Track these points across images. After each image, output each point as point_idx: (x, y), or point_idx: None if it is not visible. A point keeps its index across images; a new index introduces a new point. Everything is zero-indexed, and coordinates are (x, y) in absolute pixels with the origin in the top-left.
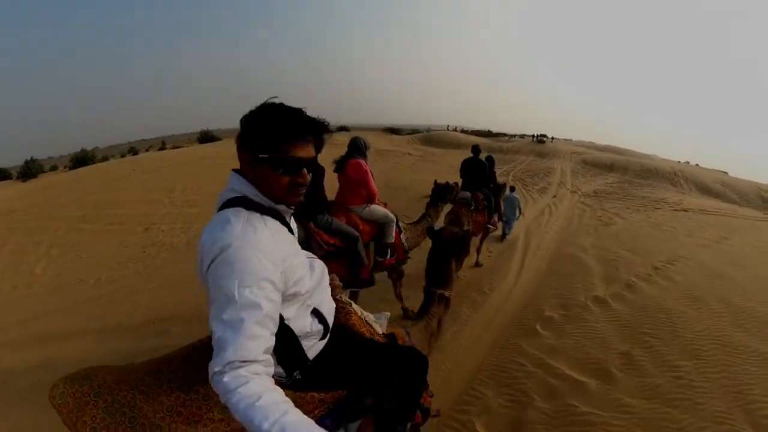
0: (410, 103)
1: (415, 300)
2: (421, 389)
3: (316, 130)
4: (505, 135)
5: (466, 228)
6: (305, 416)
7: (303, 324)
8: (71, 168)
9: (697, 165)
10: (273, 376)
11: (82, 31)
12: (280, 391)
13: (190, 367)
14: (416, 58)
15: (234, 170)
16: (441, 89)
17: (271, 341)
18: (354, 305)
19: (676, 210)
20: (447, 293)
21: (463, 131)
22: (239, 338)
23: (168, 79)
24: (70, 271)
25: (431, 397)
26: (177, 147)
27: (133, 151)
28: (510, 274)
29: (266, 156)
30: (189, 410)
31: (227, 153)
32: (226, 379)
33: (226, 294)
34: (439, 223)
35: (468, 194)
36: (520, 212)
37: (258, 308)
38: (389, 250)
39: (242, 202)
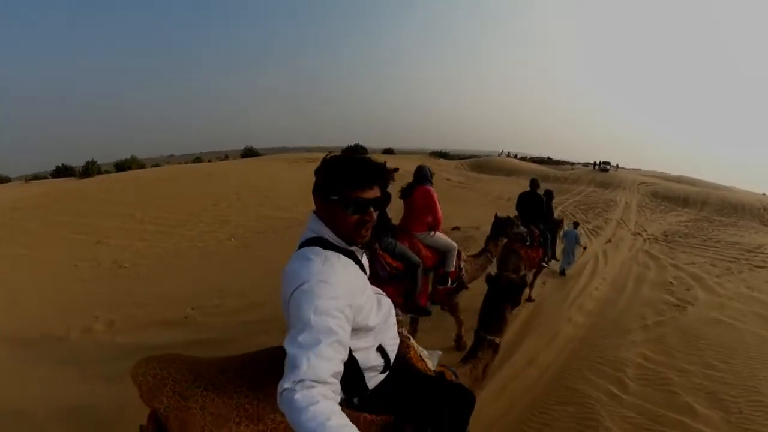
0: (463, 128)
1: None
2: (464, 425)
3: (380, 176)
4: (567, 163)
5: (522, 273)
6: None
7: (368, 358)
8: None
9: None
10: None
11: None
12: (345, 416)
13: (258, 370)
14: (473, 80)
15: (313, 211)
16: (498, 114)
17: (340, 367)
18: (412, 340)
19: None
20: (497, 340)
21: (521, 158)
22: (312, 358)
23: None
24: None
25: None
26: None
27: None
28: None
29: (336, 197)
30: (255, 409)
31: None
32: (297, 396)
33: (302, 320)
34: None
35: (523, 229)
36: (579, 245)
37: (332, 333)
38: (449, 279)
39: (320, 242)
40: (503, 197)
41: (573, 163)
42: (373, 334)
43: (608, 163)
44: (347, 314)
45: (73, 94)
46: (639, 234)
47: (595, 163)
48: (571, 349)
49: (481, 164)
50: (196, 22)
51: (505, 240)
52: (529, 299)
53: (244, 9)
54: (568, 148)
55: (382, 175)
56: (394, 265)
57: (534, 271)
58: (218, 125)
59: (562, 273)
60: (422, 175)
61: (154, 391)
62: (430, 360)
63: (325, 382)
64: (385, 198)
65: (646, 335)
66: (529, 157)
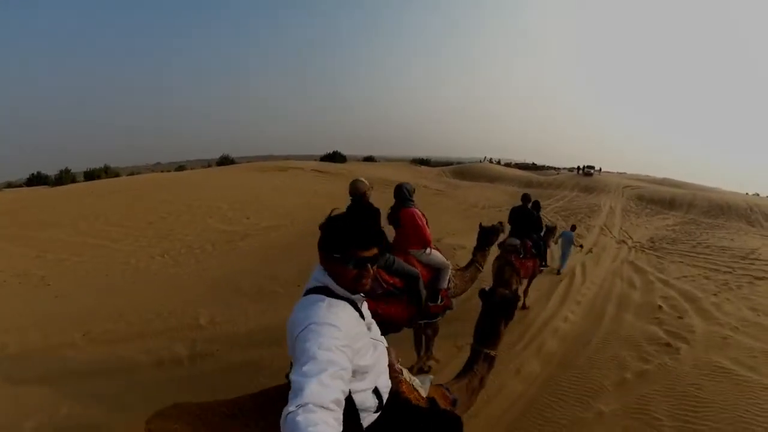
0: (448, 136)
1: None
2: None
3: (379, 239)
4: (552, 168)
5: (515, 288)
6: None
7: (364, 398)
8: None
9: None
10: None
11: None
12: None
13: (265, 411)
14: (455, 87)
15: (319, 264)
16: (481, 120)
17: (342, 396)
18: (405, 372)
19: None
20: (493, 353)
21: (506, 164)
22: (315, 385)
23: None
24: None
25: None
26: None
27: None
28: None
29: (339, 255)
30: None
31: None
32: (299, 418)
33: (308, 354)
34: (486, 270)
35: (517, 241)
36: (574, 245)
37: (334, 365)
38: (440, 297)
39: (324, 291)
40: (478, 205)
41: (558, 168)
42: (369, 376)
43: (592, 167)
44: (348, 354)
45: (60, 101)
46: (624, 242)
47: (578, 168)
48: (507, 423)
49: (463, 171)
50: (187, 26)
51: (494, 249)
52: (524, 307)
53: (226, 11)
54: (552, 154)
55: (380, 238)
56: (391, 281)
57: (527, 279)
58: (204, 133)
59: (558, 272)
60: (402, 197)
61: None
62: (422, 387)
63: (327, 408)
64: (383, 253)
65: (622, 399)
66: (513, 163)
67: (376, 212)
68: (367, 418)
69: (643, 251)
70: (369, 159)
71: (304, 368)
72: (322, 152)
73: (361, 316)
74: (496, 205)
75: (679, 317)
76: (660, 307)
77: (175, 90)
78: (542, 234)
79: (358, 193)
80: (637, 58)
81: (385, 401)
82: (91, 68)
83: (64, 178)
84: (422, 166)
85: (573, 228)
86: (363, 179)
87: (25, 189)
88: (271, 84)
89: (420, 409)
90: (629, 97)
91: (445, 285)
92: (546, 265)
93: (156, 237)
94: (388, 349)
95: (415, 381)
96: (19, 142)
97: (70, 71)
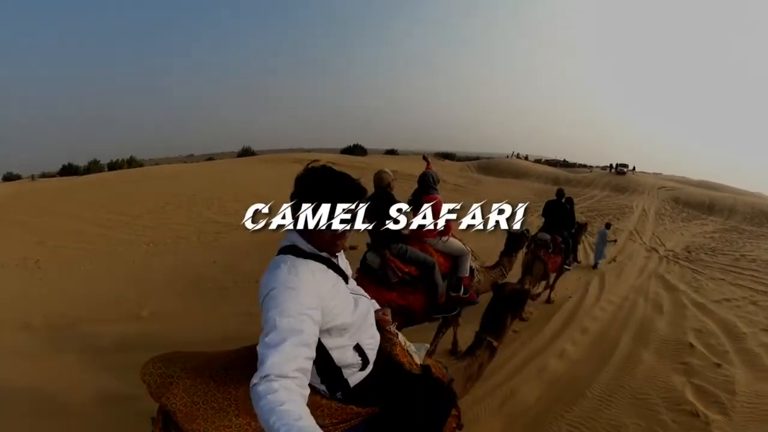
0: (474, 130)
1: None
2: (442, 418)
3: (356, 195)
4: (584, 166)
5: (526, 287)
6: (317, 426)
7: (344, 356)
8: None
9: None
10: (320, 392)
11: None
12: (302, 403)
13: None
14: (483, 80)
15: None
16: (512, 116)
17: (305, 363)
18: (400, 336)
19: None
20: (496, 343)
21: (535, 160)
22: (276, 356)
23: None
24: None
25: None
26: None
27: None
28: None
29: None
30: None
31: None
32: (260, 388)
33: (269, 322)
34: (517, 264)
35: (548, 236)
36: (608, 241)
37: (295, 333)
38: (462, 287)
39: (291, 250)
40: (495, 202)
41: (590, 167)
42: (348, 333)
43: (626, 166)
44: (313, 316)
45: (98, 95)
46: (655, 249)
47: (611, 166)
48: None
49: (489, 166)
50: (217, 24)
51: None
52: (548, 300)
53: (244, 9)
54: (585, 152)
55: (357, 193)
56: (406, 270)
57: (555, 275)
58: (233, 127)
59: (595, 266)
60: (426, 183)
61: (161, 389)
62: (417, 354)
63: (288, 377)
64: (395, 241)
65: None
66: (543, 159)
67: (394, 201)
68: (353, 376)
69: (677, 262)
70: (391, 152)
71: (267, 339)
72: (336, 146)
73: (336, 270)
74: (517, 203)
75: (717, 365)
76: (691, 345)
77: (208, 85)
78: (573, 231)
79: (382, 185)
80: (683, 55)
81: (370, 359)
82: (134, 63)
83: (92, 168)
84: (446, 160)
85: (608, 226)
86: (387, 170)
87: (56, 179)
88: (299, 80)
89: (412, 375)
90: (669, 95)
91: (466, 272)
92: (578, 261)
93: (150, 226)
94: (383, 309)
95: (411, 347)
96: (58, 135)
97: (116, 66)
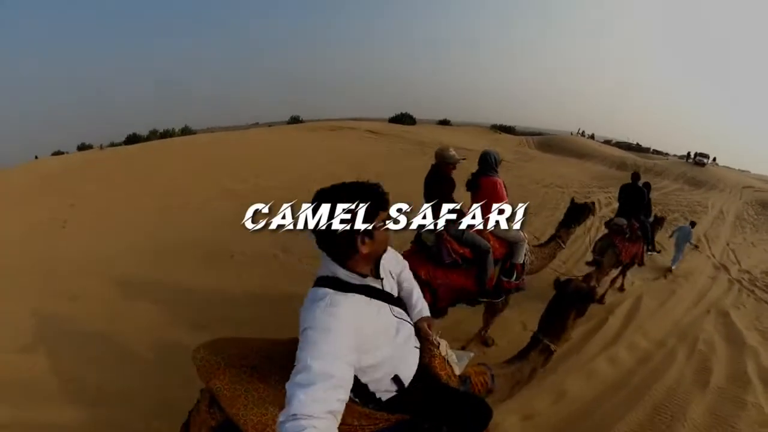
0: (536, 104)
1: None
2: None
3: (375, 197)
4: (659, 152)
5: (593, 284)
6: None
7: (380, 386)
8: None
9: None
10: (351, 399)
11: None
12: None
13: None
14: (552, 53)
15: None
16: (582, 92)
17: (336, 405)
18: (442, 346)
19: None
20: (553, 347)
21: (604, 141)
22: (305, 399)
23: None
24: None
25: None
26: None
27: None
28: None
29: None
30: None
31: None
32: (287, 425)
33: (302, 361)
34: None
35: (624, 221)
36: (690, 243)
37: (328, 378)
38: (515, 272)
39: (332, 282)
40: (541, 182)
41: (666, 154)
42: (385, 367)
43: (706, 156)
44: (348, 360)
45: (169, 68)
46: (725, 268)
47: (689, 154)
48: None
49: (551, 143)
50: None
51: (577, 227)
52: (621, 288)
53: None
54: (662, 138)
55: (380, 197)
56: (461, 251)
57: (627, 263)
58: (288, 96)
59: (669, 270)
60: (487, 164)
61: (209, 373)
62: (457, 365)
63: (317, 417)
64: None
65: None
66: (614, 140)
67: (452, 184)
68: (386, 395)
69: (752, 292)
70: (444, 123)
71: (297, 378)
72: (383, 115)
73: (380, 296)
74: (565, 185)
75: None
76: None
77: (267, 54)
78: (651, 221)
79: (444, 161)
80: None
81: (407, 384)
82: (204, 35)
83: (152, 137)
84: (502, 134)
85: (693, 224)
86: (453, 152)
87: (122, 147)
88: (353, 47)
89: (448, 389)
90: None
91: (521, 260)
92: (655, 251)
93: (165, 193)
94: (426, 320)
95: (452, 356)
96: (125, 106)
97: (190, 39)
